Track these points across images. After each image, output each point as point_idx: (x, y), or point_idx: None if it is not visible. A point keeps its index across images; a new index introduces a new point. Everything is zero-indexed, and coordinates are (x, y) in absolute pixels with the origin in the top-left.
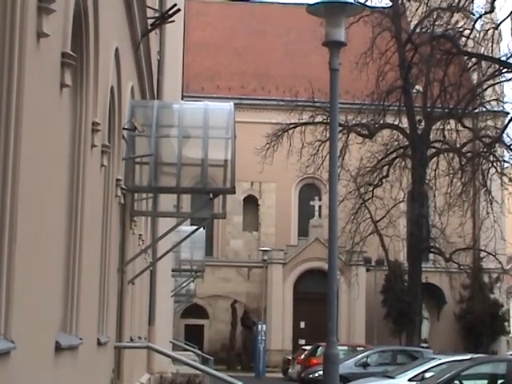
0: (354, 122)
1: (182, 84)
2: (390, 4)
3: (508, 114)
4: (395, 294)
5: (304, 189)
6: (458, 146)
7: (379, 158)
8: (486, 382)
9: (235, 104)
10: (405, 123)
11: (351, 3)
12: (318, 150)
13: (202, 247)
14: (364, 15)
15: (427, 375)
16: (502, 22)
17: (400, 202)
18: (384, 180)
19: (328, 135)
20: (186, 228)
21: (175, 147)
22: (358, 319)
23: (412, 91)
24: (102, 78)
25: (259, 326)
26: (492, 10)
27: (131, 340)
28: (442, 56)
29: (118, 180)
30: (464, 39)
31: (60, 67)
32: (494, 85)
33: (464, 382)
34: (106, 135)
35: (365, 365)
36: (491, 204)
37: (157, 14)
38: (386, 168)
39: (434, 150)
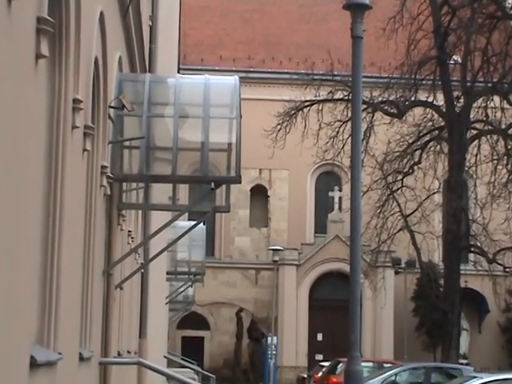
0: (380, 98)
1: (178, 55)
2: None
3: None
4: (429, 301)
5: (322, 177)
6: (503, 126)
7: (410, 141)
8: None
9: (241, 78)
10: (440, 100)
11: None
12: (337, 132)
13: (202, 246)
14: None
15: None
16: None
17: (434, 193)
18: (416, 167)
19: (350, 114)
20: (184, 223)
21: (170, 129)
22: (385, 330)
23: (449, 62)
24: (84, 48)
25: (269, 339)
26: None
27: (119, 355)
28: (485, 20)
29: (103, 167)
30: (511, 0)
31: (35, 35)
32: None
33: None
34: (89, 115)
35: None
36: None
37: None
38: (417, 153)
39: (474, 132)
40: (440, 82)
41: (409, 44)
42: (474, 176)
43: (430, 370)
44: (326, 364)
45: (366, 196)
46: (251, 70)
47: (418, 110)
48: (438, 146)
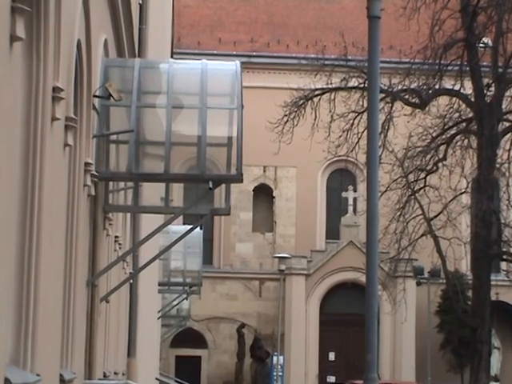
0: (400, 86)
1: (171, 37)
2: None
3: None
4: (455, 315)
5: (334, 176)
6: None
7: (434, 134)
8: None
9: (243, 63)
10: (468, 88)
11: None
12: (352, 125)
13: (199, 253)
14: None
15: None
16: None
17: (462, 194)
18: (440, 164)
19: (366, 104)
20: (178, 228)
21: (163, 121)
22: (406, 349)
23: (478, 45)
24: (65, 29)
25: (274, 358)
26: None
27: (105, 376)
28: None
29: (87, 164)
30: None
31: (9, 14)
32: None
33: None
34: (70, 105)
35: None
36: None
37: None
38: (442, 148)
39: (507, 124)
40: (468, 68)
41: (433, 25)
42: (507, 174)
43: None
44: None
45: (384, 197)
46: (254, 54)
47: (443, 100)
48: (466, 141)
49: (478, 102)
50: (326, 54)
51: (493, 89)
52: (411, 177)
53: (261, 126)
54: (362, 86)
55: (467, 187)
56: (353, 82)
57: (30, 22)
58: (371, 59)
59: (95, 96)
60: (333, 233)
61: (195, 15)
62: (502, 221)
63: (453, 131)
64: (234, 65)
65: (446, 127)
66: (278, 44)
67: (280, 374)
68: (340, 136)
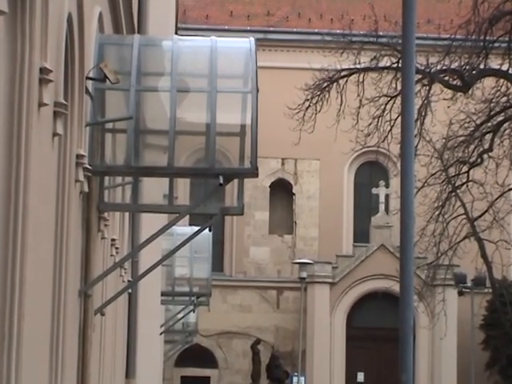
0: (439, 66)
1: (176, 10)
2: None
3: None
4: (503, 330)
5: (363, 169)
6: None
7: (478, 121)
8: None
9: (258, 40)
10: None
11: None
12: (384, 111)
13: (208, 259)
14: None
15: None
16: None
17: (510, 190)
18: (486, 156)
19: (399, 87)
20: (184, 230)
21: (166, 106)
22: (446, 369)
23: None
24: (54, 1)
25: (294, 379)
26: None
27: None
28: None
29: (79, 156)
30: None
31: None
32: None
33: None
34: (60, 89)
35: None
36: None
37: None
38: (488, 137)
39: None
40: None
41: None
42: None
43: None
44: None
45: (421, 194)
46: (271, 29)
47: (489, 82)
48: None
49: None
50: (354, 29)
51: None
52: (452, 170)
53: (279, 113)
54: (396, 65)
55: None
56: (384, 62)
57: None
58: (406, 35)
59: (88, 78)
60: (361, 235)
61: None
62: None
63: (500, 118)
64: (247, 42)
65: (492, 113)
66: (298, 18)
67: None
68: (370, 124)
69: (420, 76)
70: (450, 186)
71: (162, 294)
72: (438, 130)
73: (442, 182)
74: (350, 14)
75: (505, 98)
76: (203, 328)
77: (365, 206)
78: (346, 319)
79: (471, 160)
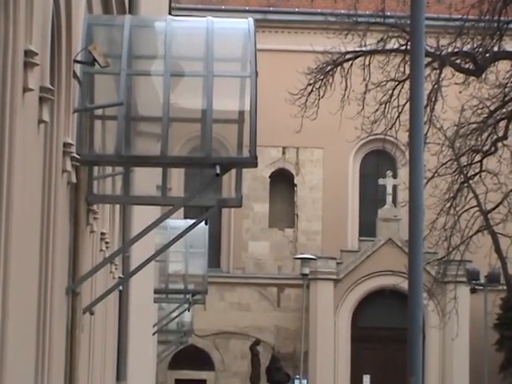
0: (450, 49)
1: None
2: None
3: None
4: None
5: (369, 159)
6: None
7: (492, 108)
8: None
9: (257, 21)
10: None
11: None
12: (391, 96)
13: (204, 254)
14: None
15: None
16: None
17: None
18: (500, 144)
19: (408, 71)
20: (178, 223)
21: (159, 92)
22: (458, 371)
23: None
24: None
25: (296, 382)
26: None
27: None
28: None
29: (66, 145)
30: None
31: None
32: None
33: None
34: (46, 72)
35: None
36: None
37: None
38: (502, 124)
39: None
40: None
41: None
42: None
43: None
44: None
45: (431, 184)
46: (271, 10)
47: (504, 65)
48: None
49: None
50: (359, 8)
51: None
52: (464, 160)
53: (279, 98)
54: (404, 48)
55: None
56: (392, 44)
57: None
58: (415, 15)
59: (76, 61)
60: (367, 229)
61: None
62: None
63: None
64: (245, 23)
65: (506, 99)
66: None
67: None
68: (376, 110)
69: (430, 59)
70: (461, 176)
71: (155, 292)
72: (449, 116)
73: (454, 172)
74: None
75: None
76: (199, 328)
77: (371, 198)
78: (351, 318)
79: (484, 148)
